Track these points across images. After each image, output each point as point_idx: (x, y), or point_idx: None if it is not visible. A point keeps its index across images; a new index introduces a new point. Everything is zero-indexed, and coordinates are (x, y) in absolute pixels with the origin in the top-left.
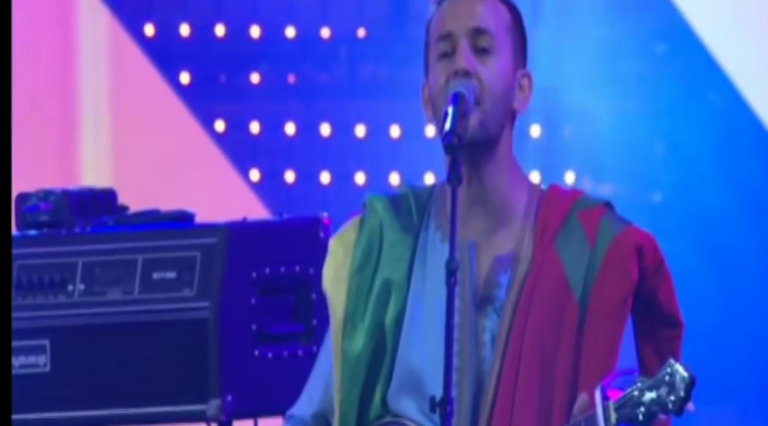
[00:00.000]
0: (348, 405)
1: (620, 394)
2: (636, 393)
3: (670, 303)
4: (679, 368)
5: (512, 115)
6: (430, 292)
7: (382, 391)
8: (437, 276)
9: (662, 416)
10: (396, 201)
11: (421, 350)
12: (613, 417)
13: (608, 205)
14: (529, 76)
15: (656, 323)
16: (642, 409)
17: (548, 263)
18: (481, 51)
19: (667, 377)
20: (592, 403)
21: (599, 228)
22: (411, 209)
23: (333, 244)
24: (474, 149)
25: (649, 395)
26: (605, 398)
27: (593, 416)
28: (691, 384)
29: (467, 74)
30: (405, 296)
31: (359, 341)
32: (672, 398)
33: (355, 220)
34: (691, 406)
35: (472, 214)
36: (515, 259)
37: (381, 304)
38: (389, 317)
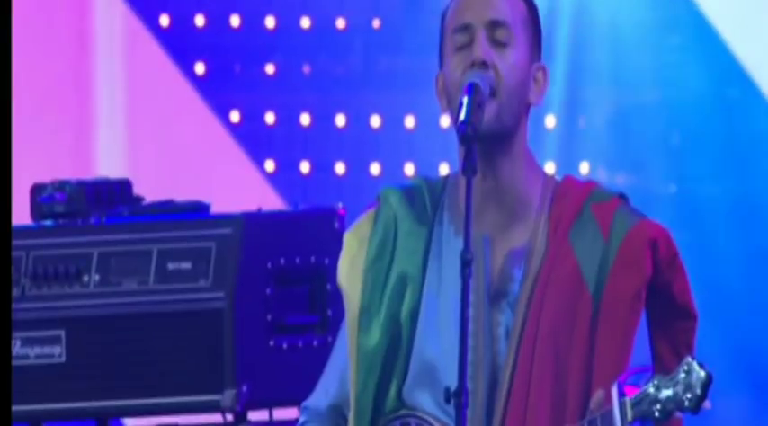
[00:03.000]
0: (364, 399)
1: (637, 391)
2: (652, 390)
3: (684, 295)
4: (696, 367)
5: (527, 108)
6: (445, 286)
7: (398, 384)
8: (452, 270)
9: (678, 414)
10: (410, 193)
11: (436, 344)
12: (630, 414)
13: (622, 197)
14: (544, 69)
15: (670, 316)
16: (658, 406)
17: (561, 257)
18: (499, 44)
19: (684, 375)
20: (608, 399)
21: (613, 221)
22: (425, 201)
23: (347, 237)
24: (490, 142)
25: (666, 393)
26: (622, 394)
27: (610, 412)
28: (707, 382)
29: (484, 65)
30: (420, 289)
31: (375, 335)
32: (688, 396)
33: (370, 213)
34: (707, 404)
35: (486, 208)
36: (529, 252)
37: (397, 297)
38: (405, 311)
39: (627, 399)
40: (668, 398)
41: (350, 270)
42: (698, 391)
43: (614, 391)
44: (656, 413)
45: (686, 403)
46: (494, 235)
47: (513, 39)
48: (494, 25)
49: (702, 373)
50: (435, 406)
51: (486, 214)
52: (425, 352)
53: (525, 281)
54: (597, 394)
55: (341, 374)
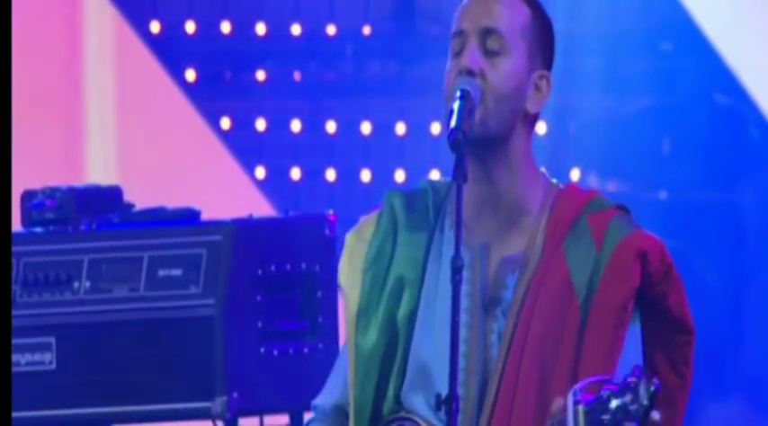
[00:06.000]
0: (362, 400)
1: (591, 399)
2: (605, 398)
3: (681, 309)
4: (646, 376)
5: (525, 116)
6: (443, 290)
7: (395, 386)
8: (449, 275)
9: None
10: (413, 197)
11: (431, 347)
12: (582, 421)
13: (620, 208)
14: (547, 78)
15: (666, 329)
16: (608, 416)
17: (554, 265)
18: (491, 53)
19: (633, 385)
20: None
21: (607, 232)
22: (428, 206)
23: (349, 238)
24: (478, 148)
25: (615, 402)
26: (576, 402)
27: (564, 421)
28: (654, 393)
29: (471, 73)
30: (418, 292)
31: (372, 336)
32: (635, 407)
33: (373, 216)
34: (655, 415)
35: (484, 214)
36: (525, 260)
37: (394, 299)
38: (402, 313)
39: (581, 407)
40: (617, 407)
41: (349, 271)
42: (645, 401)
43: (570, 399)
44: (606, 422)
45: (633, 413)
46: (491, 242)
47: (506, 47)
48: (486, 33)
49: (650, 384)
50: (428, 410)
51: (484, 220)
52: (421, 355)
53: (518, 289)
54: (557, 402)
55: (345, 375)
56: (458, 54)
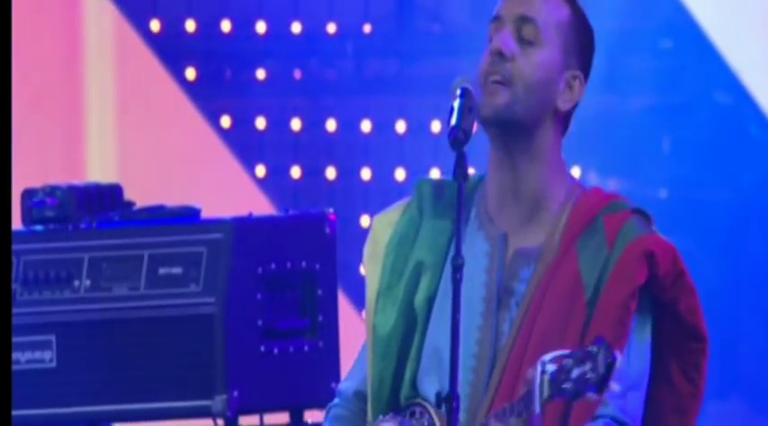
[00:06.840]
0: (380, 383)
1: (555, 368)
2: (567, 368)
3: (693, 315)
4: (605, 349)
5: (555, 112)
6: (462, 278)
7: (412, 371)
8: (469, 263)
9: (589, 394)
10: (443, 186)
11: (445, 337)
12: (546, 390)
13: (638, 212)
14: (581, 79)
15: (677, 335)
16: (569, 384)
17: (566, 262)
18: (525, 41)
19: (592, 354)
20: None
21: (619, 233)
22: (454, 196)
23: (376, 221)
24: (502, 132)
25: (576, 371)
26: (543, 372)
27: (530, 392)
28: (611, 364)
29: (500, 55)
30: (438, 279)
31: (390, 318)
32: (593, 375)
33: (403, 202)
34: (614, 386)
35: (504, 202)
36: (541, 254)
37: (413, 283)
38: (420, 298)
39: (546, 376)
40: (578, 376)
41: (373, 253)
42: (601, 370)
43: (537, 368)
44: (569, 391)
45: (591, 382)
46: (510, 232)
47: (540, 39)
48: (522, 21)
49: (608, 355)
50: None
51: (505, 208)
52: (436, 343)
53: (531, 282)
54: (529, 372)
55: (366, 361)
56: (492, 39)
